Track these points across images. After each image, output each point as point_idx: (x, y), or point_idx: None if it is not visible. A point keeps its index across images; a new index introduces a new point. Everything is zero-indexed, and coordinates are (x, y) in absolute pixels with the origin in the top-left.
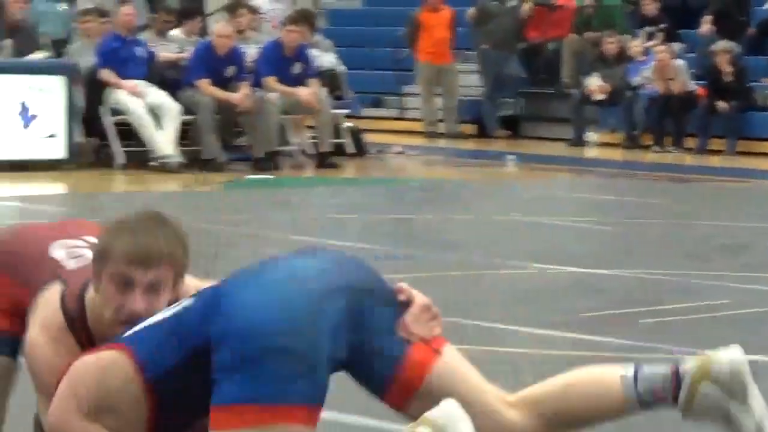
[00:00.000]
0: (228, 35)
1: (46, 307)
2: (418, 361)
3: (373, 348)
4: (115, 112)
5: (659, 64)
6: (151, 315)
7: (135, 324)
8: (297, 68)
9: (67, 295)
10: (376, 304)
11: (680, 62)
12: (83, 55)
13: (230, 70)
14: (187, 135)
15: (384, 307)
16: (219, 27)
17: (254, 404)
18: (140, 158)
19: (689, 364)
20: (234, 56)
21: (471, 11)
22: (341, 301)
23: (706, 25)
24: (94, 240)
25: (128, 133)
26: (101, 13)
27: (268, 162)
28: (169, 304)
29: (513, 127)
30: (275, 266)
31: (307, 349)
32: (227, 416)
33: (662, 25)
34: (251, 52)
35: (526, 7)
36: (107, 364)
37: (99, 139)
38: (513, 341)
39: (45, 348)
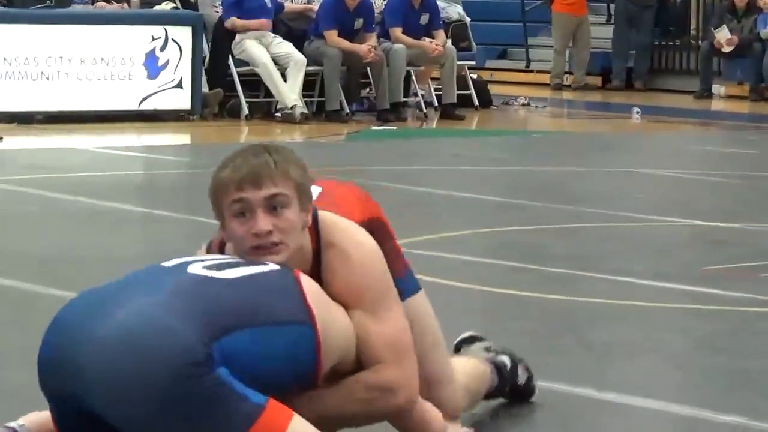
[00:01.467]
0: None
1: None
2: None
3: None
4: (240, 63)
5: None
6: (283, 234)
7: (270, 249)
8: (424, 19)
9: (212, 245)
10: None
11: None
12: (210, 6)
13: (358, 22)
14: (312, 86)
15: None
16: None
17: None
18: (265, 109)
19: None
20: (363, 8)
21: None
22: None
23: None
24: None
25: (253, 83)
26: None
27: (392, 113)
28: (309, 231)
29: (642, 79)
30: None
31: None
32: None
33: None
34: (378, 2)
35: None
36: None
37: (224, 91)
38: (635, 294)
39: None
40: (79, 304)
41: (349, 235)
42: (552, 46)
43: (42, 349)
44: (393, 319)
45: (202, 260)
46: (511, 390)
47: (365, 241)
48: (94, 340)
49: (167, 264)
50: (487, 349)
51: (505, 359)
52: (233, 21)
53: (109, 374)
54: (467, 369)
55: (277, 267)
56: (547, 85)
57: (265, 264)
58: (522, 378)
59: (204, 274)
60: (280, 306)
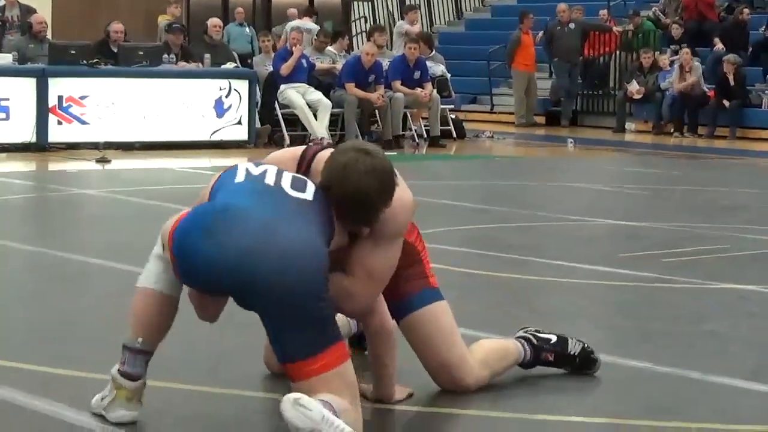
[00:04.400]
0: (373, 53)
1: (290, 150)
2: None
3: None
4: (283, 106)
5: (684, 62)
6: None
7: None
8: (416, 75)
9: (307, 150)
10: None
11: (697, 64)
12: (262, 65)
13: (371, 78)
14: (335, 123)
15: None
16: (367, 47)
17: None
18: (301, 140)
19: None
20: (375, 67)
21: (541, 34)
22: None
23: (718, 45)
24: None
25: (293, 121)
26: (276, 34)
27: (394, 142)
28: None
29: (573, 118)
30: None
31: None
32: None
33: (684, 45)
34: (385, 63)
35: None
36: None
37: (271, 126)
38: (570, 274)
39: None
40: (237, 220)
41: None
42: (508, 95)
43: (205, 245)
44: (384, 255)
45: (283, 178)
46: (565, 360)
47: (405, 196)
48: (271, 255)
49: (269, 182)
50: (526, 330)
51: (549, 336)
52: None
53: (277, 281)
54: (486, 345)
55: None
56: (506, 122)
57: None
58: (574, 348)
59: (297, 196)
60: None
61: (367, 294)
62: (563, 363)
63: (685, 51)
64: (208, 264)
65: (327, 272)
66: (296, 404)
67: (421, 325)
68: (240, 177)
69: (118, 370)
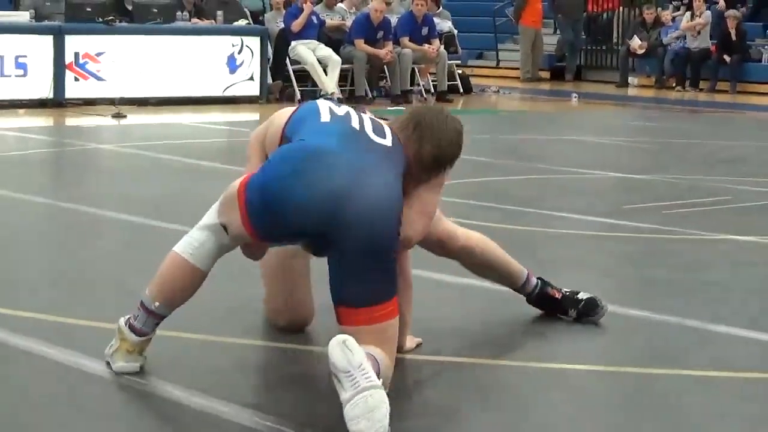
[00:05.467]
0: (382, 10)
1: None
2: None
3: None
4: (294, 62)
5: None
6: None
7: None
8: (424, 31)
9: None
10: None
11: (708, 12)
12: (273, 21)
13: (379, 34)
14: (345, 79)
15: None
16: (376, 3)
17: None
18: (312, 95)
19: None
20: (383, 24)
21: None
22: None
23: (720, 2)
24: None
25: (303, 77)
26: None
27: (402, 98)
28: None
29: (577, 73)
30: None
31: None
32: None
33: (686, 0)
34: (393, 19)
35: None
36: None
37: (282, 82)
38: (572, 225)
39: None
40: (329, 163)
41: None
42: (513, 50)
43: (297, 186)
44: (435, 196)
45: (365, 122)
46: (570, 302)
47: None
48: (361, 202)
49: (354, 125)
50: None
51: (567, 290)
52: (291, 30)
53: (364, 228)
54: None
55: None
56: (512, 77)
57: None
58: (584, 295)
59: (380, 141)
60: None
61: (420, 226)
62: (568, 304)
63: (699, 22)
64: (297, 206)
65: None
66: (344, 345)
67: None
68: (325, 116)
69: (127, 321)
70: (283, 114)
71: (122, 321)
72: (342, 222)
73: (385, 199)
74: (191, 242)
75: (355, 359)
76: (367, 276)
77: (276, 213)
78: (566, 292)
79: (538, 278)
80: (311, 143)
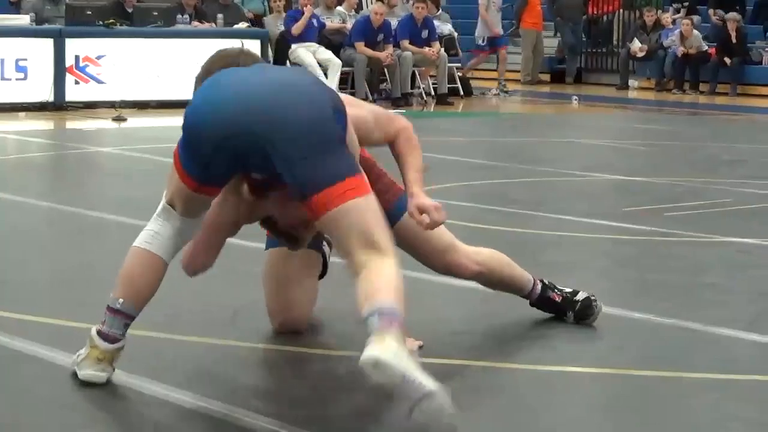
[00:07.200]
0: (382, 13)
1: None
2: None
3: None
4: (294, 64)
5: (683, 31)
6: None
7: None
8: (424, 34)
9: None
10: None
11: (696, 33)
12: (274, 25)
13: (380, 37)
14: (345, 82)
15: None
16: (376, 6)
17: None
18: None
19: None
20: (384, 27)
21: None
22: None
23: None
24: None
25: None
26: None
27: (402, 100)
28: None
29: (577, 76)
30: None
31: None
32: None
33: (686, 2)
34: (393, 22)
35: None
36: None
37: None
38: (573, 228)
39: None
40: (234, 77)
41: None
42: (514, 53)
43: (212, 101)
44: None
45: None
46: (570, 304)
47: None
48: (282, 89)
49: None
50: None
51: (568, 290)
52: (291, 34)
53: (289, 114)
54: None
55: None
56: (512, 80)
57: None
58: (580, 296)
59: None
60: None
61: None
62: (567, 306)
63: (685, 22)
64: (216, 118)
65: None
66: (376, 368)
67: (410, 226)
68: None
69: (97, 329)
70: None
71: (93, 329)
72: (269, 118)
73: (307, 83)
74: (147, 233)
75: (396, 374)
76: (321, 157)
77: (200, 137)
78: (566, 293)
79: (541, 281)
80: (217, 74)
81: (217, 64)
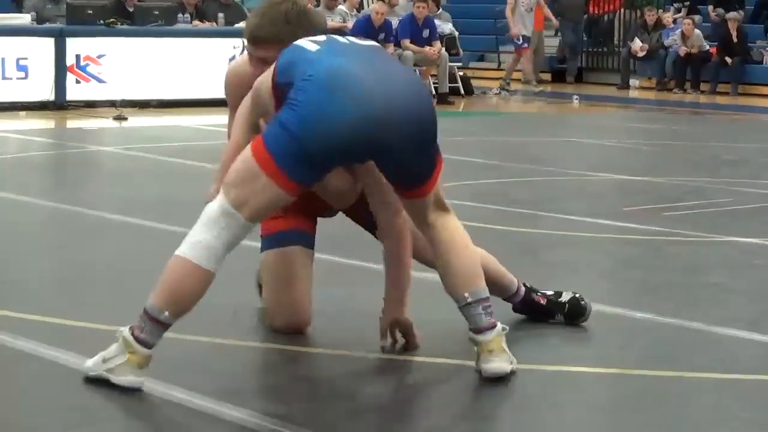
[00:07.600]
0: (383, 12)
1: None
2: None
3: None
4: None
5: (685, 31)
6: None
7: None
8: (425, 33)
9: None
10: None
11: (698, 32)
12: None
13: (381, 36)
14: None
15: None
16: (377, 6)
17: None
18: None
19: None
20: (385, 26)
21: None
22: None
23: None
24: None
25: None
26: None
27: None
28: None
29: (578, 75)
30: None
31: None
32: None
33: (686, 2)
34: (394, 22)
35: None
36: None
37: None
38: (575, 227)
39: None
40: (349, 74)
41: None
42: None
43: (345, 104)
44: None
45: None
46: (556, 306)
47: None
48: (401, 93)
49: (340, 40)
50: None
51: (550, 292)
52: None
53: (415, 110)
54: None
55: None
56: (513, 79)
57: None
58: (566, 297)
59: (367, 44)
60: None
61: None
62: (554, 308)
63: (687, 21)
64: (350, 121)
65: None
66: (486, 373)
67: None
68: (312, 47)
69: (134, 335)
70: (265, 78)
71: (127, 333)
72: (394, 127)
73: (414, 81)
74: (200, 245)
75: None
76: (425, 159)
77: (327, 136)
78: (550, 295)
79: (524, 285)
80: (322, 69)
81: (305, 24)
